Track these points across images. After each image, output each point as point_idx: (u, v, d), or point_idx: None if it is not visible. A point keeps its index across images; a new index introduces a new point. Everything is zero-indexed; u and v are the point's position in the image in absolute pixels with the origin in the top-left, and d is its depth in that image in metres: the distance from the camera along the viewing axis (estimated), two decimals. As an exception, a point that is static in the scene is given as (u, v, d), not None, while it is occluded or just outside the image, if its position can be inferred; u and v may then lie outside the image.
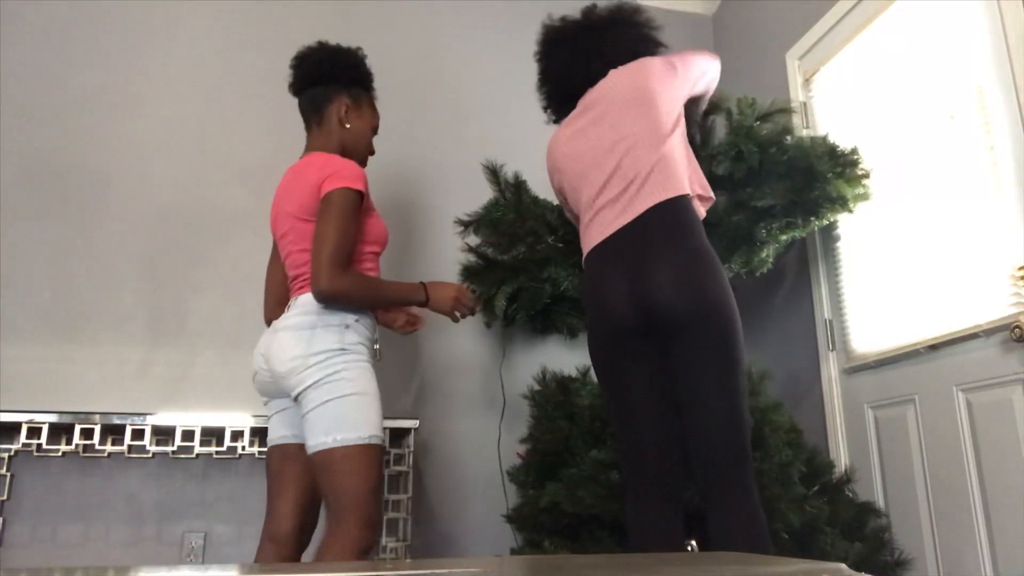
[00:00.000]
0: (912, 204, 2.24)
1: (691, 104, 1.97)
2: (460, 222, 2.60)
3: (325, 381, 1.61)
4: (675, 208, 1.69)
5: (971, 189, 2.03)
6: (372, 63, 1.96)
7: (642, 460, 1.69)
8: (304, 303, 1.69)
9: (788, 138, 2.31)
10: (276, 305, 1.89)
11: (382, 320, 1.97)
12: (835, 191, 2.23)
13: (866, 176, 2.31)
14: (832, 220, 2.40)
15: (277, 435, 1.81)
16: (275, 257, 1.96)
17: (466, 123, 3.13)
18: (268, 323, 1.89)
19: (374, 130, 1.96)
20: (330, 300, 1.65)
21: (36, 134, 2.63)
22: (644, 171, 1.71)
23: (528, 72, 3.23)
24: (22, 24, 2.70)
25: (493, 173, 2.54)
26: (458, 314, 1.87)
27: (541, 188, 2.52)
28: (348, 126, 1.87)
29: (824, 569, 0.67)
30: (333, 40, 1.92)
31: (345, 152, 1.88)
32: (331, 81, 1.88)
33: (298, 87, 1.92)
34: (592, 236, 1.76)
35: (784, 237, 2.31)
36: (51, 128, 2.65)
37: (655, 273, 1.62)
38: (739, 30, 3.26)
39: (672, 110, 1.79)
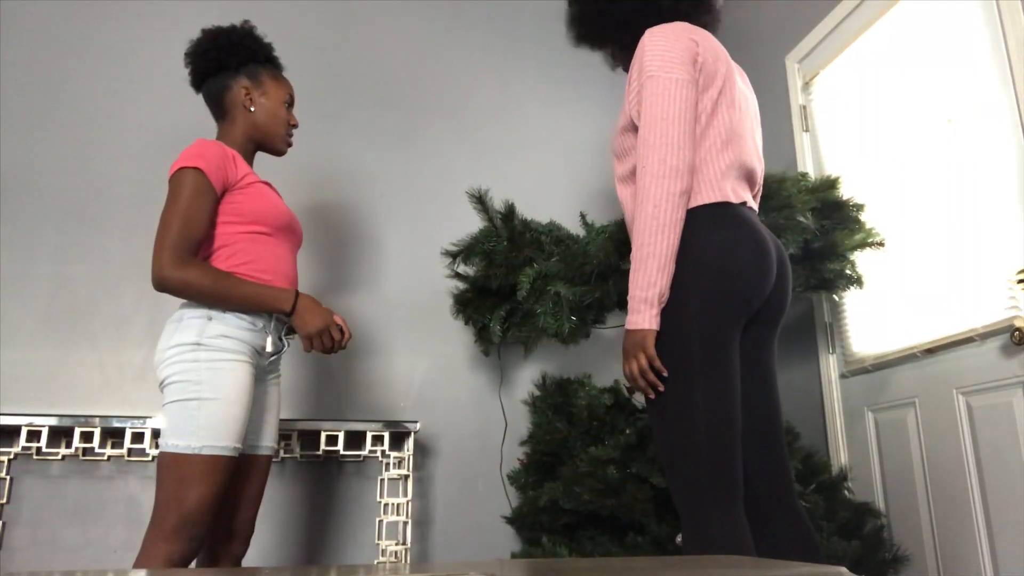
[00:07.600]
0: (912, 207, 2.24)
1: None
2: (448, 253, 2.48)
3: (170, 381, 1.55)
4: None
5: (971, 193, 2.03)
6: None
7: (738, 467, 1.44)
8: None
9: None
10: None
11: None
12: (837, 247, 2.15)
13: (857, 216, 2.22)
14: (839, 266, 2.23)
15: None
16: None
17: (464, 128, 3.13)
18: None
19: (287, 103, 1.83)
20: (167, 290, 1.55)
21: (35, 135, 2.63)
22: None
23: (527, 76, 3.23)
24: (22, 24, 2.70)
25: (480, 201, 2.39)
26: (311, 346, 1.65)
27: (535, 210, 2.45)
28: (253, 109, 1.78)
29: (824, 573, 0.66)
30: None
31: (262, 137, 1.80)
32: (221, 69, 1.78)
33: (195, 84, 1.83)
34: (739, 191, 1.56)
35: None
36: (51, 128, 2.65)
37: (787, 262, 1.59)
38: (739, 32, 3.26)
39: None
